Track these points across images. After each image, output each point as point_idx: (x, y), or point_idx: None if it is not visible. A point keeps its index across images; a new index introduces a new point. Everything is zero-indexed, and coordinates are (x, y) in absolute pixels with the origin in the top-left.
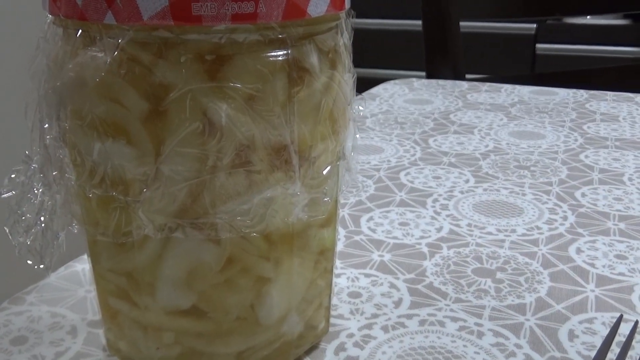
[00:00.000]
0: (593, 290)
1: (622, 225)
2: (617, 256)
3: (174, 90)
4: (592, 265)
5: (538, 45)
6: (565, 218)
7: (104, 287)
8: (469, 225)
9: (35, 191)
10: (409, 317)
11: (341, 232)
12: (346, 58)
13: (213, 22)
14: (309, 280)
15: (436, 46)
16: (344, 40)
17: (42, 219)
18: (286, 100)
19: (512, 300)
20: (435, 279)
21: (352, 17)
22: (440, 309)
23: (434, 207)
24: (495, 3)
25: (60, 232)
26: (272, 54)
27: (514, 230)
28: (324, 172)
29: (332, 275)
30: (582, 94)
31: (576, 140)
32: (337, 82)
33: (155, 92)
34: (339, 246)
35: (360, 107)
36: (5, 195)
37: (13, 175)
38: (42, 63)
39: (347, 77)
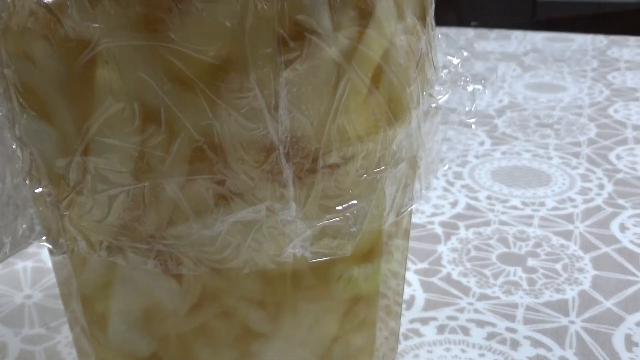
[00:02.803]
0: None
1: None
2: None
3: (86, 49)
4: None
5: None
6: (601, 186)
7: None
8: (489, 197)
9: None
10: (425, 322)
11: None
12: (407, 7)
13: None
14: (332, 338)
15: None
16: None
17: None
18: (270, 76)
19: (551, 296)
20: (453, 269)
21: None
22: (462, 310)
23: (445, 175)
24: None
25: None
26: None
27: (542, 204)
28: (350, 189)
29: (386, 328)
30: (601, 39)
31: (601, 92)
32: (374, 48)
33: (68, 48)
34: None
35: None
36: None
37: None
38: None
39: (401, 39)
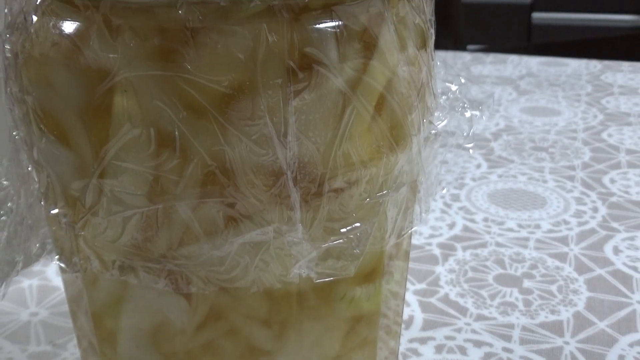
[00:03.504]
0: None
1: None
2: None
3: (106, 78)
4: (635, 268)
5: (534, 15)
6: (595, 210)
7: (77, 326)
8: (486, 220)
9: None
10: (423, 341)
11: None
12: (409, 39)
13: None
14: (334, 356)
15: (436, 14)
16: (408, 11)
17: (9, 220)
18: (280, 104)
19: (546, 317)
20: (451, 290)
21: None
22: (459, 330)
23: (443, 197)
24: None
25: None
26: (256, 31)
27: (538, 226)
28: (354, 212)
29: (386, 347)
30: (595, 64)
31: (595, 116)
32: (377, 78)
33: (88, 77)
34: None
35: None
36: None
37: (8, 163)
38: None
39: (404, 70)
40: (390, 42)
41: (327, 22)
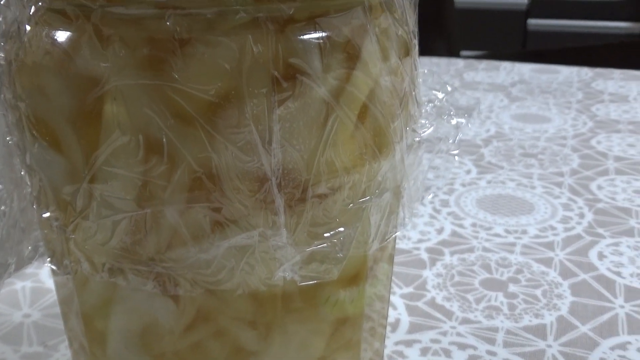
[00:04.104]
0: (622, 306)
1: None
2: None
3: (97, 86)
4: (618, 274)
5: (529, 21)
6: (581, 216)
7: (68, 327)
8: (474, 225)
9: None
10: (409, 344)
11: None
12: (391, 49)
13: None
14: (319, 357)
15: (430, 21)
16: (391, 22)
17: (2, 223)
18: (265, 113)
19: (530, 321)
20: (437, 294)
21: None
22: (445, 333)
23: (432, 203)
24: None
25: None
26: (242, 42)
27: (525, 232)
28: (337, 217)
29: (371, 348)
30: (586, 72)
31: (585, 123)
32: (360, 88)
33: (79, 85)
34: None
35: (456, 122)
36: None
37: (0, 167)
38: None
39: (386, 79)
40: (373, 52)
41: (311, 33)
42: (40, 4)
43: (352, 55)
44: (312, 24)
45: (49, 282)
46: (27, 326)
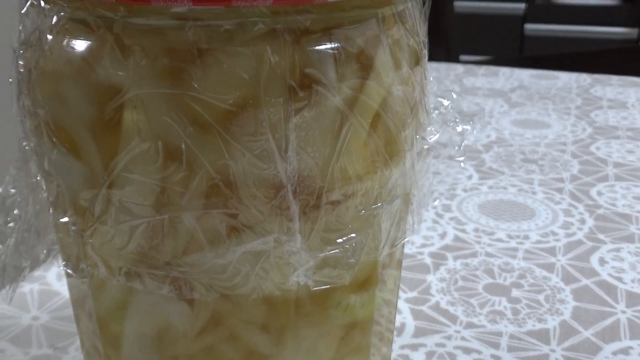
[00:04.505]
0: (624, 312)
1: None
2: None
3: (117, 95)
4: (620, 279)
5: (526, 26)
6: (582, 221)
7: (81, 329)
8: (476, 230)
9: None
10: (414, 348)
11: None
12: (403, 60)
13: (166, 1)
14: None
15: (429, 26)
16: (402, 33)
17: (17, 227)
18: (281, 121)
19: (533, 325)
20: (442, 298)
21: (424, 3)
22: (449, 337)
23: (435, 208)
24: None
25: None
26: (260, 52)
27: (527, 237)
28: (350, 223)
29: (379, 353)
30: (585, 77)
31: (584, 129)
32: (373, 97)
33: (100, 93)
34: None
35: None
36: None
37: (15, 171)
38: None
39: (398, 89)
40: (386, 63)
41: (326, 44)
42: (62, 14)
43: (365, 66)
44: (328, 35)
45: (56, 285)
46: (36, 328)
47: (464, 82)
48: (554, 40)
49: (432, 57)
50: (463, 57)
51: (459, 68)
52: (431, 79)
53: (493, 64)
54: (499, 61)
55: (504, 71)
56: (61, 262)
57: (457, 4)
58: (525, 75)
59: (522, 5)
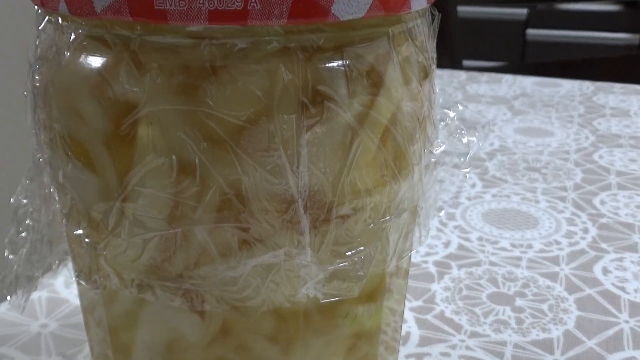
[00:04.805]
0: (627, 321)
1: None
2: None
3: (133, 110)
4: (623, 289)
5: (528, 31)
6: (585, 230)
7: (91, 336)
8: (480, 239)
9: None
10: (419, 357)
11: None
12: (412, 76)
13: (183, 21)
14: None
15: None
16: (412, 50)
17: (29, 237)
18: (293, 137)
19: (537, 335)
20: (446, 307)
21: (433, 19)
22: (454, 346)
23: (439, 216)
24: None
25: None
26: (273, 70)
27: (530, 246)
28: (359, 237)
29: None
30: (587, 85)
31: (587, 137)
32: (383, 113)
33: (116, 109)
34: None
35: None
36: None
37: (27, 181)
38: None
39: (407, 105)
40: (395, 79)
41: (338, 62)
42: (80, 31)
43: (376, 82)
44: (339, 53)
45: (64, 292)
46: (45, 336)
47: (467, 90)
48: (556, 45)
49: (436, 64)
50: (466, 62)
51: (462, 75)
52: (437, 90)
53: (496, 71)
54: (502, 68)
55: (507, 78)
56: (72, 272)
57: (460, 9)
58: (528, 82)
59: (525, 11)
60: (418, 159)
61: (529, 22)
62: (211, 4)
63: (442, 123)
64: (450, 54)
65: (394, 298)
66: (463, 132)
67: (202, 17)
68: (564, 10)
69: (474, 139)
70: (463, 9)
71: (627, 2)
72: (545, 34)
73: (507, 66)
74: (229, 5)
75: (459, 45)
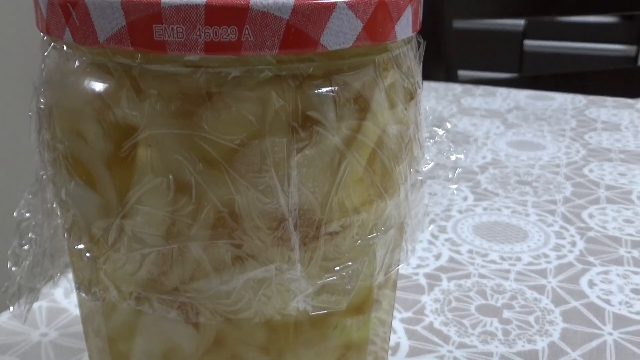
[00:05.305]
0: (611, 333)
1: (635, 253)
2: (634, 290)
3: (133, 134)
4: (608, 301)
5: (526, 42)
6: (573, 244)
7: (90, 345)
8: (470, 251)
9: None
10: None
11: None
12: (398, 101)
13: (181, 50)
14: None
15: (428, 46)
16: (398, 76)
17: (32, 250)
18: (284, 159)
19: (523, 346)
20: (435, 319)
21: (419, 46)
22: (442, 357)
23: (429, 230)
24: (490, 2)
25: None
26: (265, 97)
27: (519, 259)
28: (347, 252)
29: None
30: (580, 99)
31: (578, 151)
32: (370, 136)
33: (117, 132)
34: None
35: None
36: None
37: (30, 196)
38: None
39: (393, 128)
40: (382, 104)
41: (326, 88)
42: (83, 58)
43: (362, 108)
44: (328, 81)
45: (64, 302)
46: (45, 345)
47: (461, 102)
48: (553, 56)
49: (431, 74)
50: (463, 73)
51: (457, 88)
52: (427, 108)
53: (490, 84)
54: (497, 81)
55: (501, 91)
56: (73, 283)
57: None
58: (521, 95)
59: (522, 22)
60: (404, 178)
61: (526, 33)
62: (207, 35)
63: (431, 141)
64: (446, 69)
65: (382, 309)
66: (452, 149)
67: (198, 48)
68: (562, 21)
69: (462, 156)
70: (459, 20)
71: (625, 15)
72: (542, 45)
73: (501, 79)
74: (224, 37)
75: (455, 59)
